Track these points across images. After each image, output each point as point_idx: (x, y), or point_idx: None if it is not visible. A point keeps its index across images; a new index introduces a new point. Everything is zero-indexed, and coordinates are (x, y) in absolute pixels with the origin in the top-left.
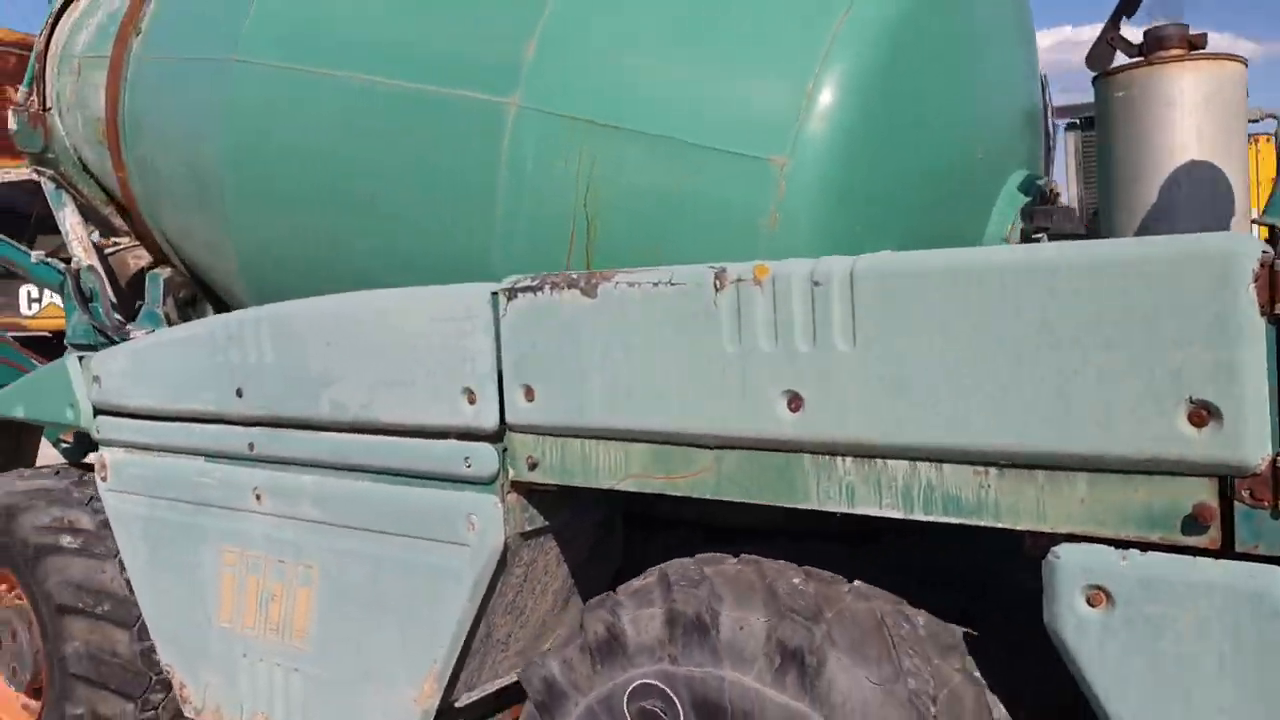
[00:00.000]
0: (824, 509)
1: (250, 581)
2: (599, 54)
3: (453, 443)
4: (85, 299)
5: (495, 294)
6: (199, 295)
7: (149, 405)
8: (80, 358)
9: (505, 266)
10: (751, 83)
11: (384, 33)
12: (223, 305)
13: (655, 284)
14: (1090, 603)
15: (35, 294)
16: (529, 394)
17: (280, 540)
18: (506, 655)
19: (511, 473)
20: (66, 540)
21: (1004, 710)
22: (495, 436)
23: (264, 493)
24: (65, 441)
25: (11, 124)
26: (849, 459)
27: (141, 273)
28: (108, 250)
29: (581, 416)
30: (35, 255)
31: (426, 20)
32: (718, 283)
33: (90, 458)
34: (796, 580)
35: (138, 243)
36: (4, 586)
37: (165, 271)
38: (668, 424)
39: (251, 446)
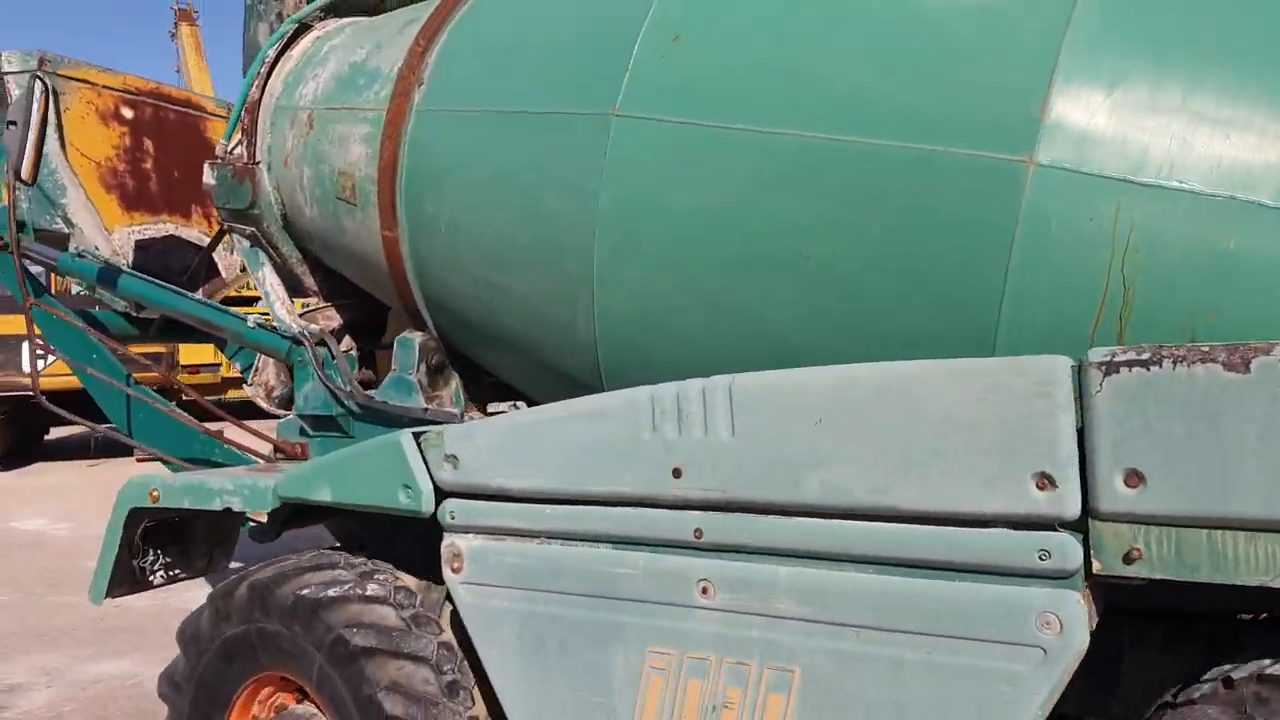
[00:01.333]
0: None
1: (691, 687)
2: (1121, 109)
3: (1016, 532)
4: (322, 366)
5: (1079, 367)
6: (447, 362)
7: (535, 487)
8: (416, 434)
9: (1011, 337)
10: None
11: (836, 87)
12: (474, 373)
13: None
14: None
15: (40, 351)
16: (1133, 479)
17: (739, 640)
18: None
19: (1097, 565)
20: (373, 640)
21: None
22: (1075, 525)
23: (714, 585)
24: (255, 522)
25: (209, 179)
26: None
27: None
28: (300, 313)
29: (1223, 505)
30: (251, 320)
31: (896, 74)
32: None
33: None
34: None
35: (329, 304)
36: (273, 689)
37: (418, 336)
38: None
39: (698, 533)
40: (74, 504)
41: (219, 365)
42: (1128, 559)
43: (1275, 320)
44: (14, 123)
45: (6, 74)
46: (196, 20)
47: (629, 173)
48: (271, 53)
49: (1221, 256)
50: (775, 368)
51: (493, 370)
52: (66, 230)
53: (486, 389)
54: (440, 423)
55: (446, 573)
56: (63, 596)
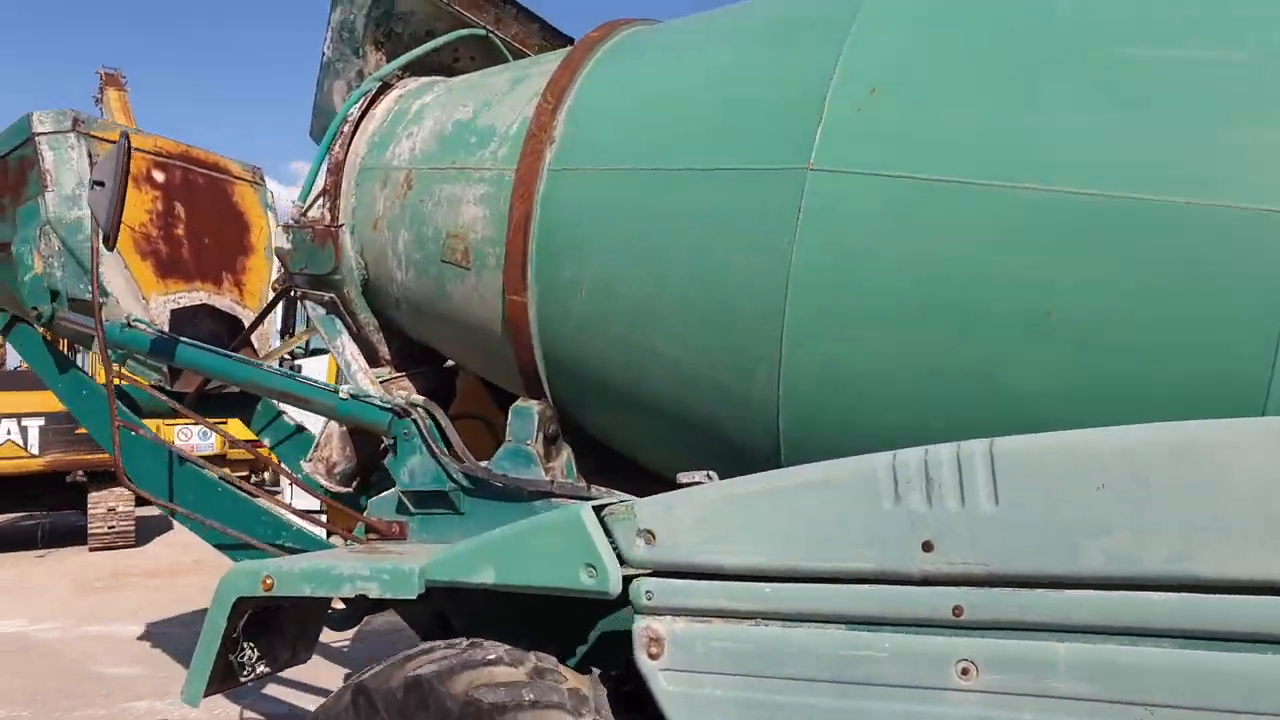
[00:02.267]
0: None
1: None
2: None
3: None
4: (429, 439)
5: None
6: (560, 432)
7: (753, 564)
8: (597, 509)
9: None
10: None
11: (1084, 141)
12: (584, 443)
13: None
14: None
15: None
16: None
17: None
18: None
19: None
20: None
21: None
22: None
23: (976, 666)
24: (334, 611)
25: (283, 243)
26: None
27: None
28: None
29: None
30: (344, 391)
31: (1146, 125)
32: None
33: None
34: None
35: (402, 374)
36: None
37: (535, 405)
38: None
39: (958, 611)
40: (46, 601)
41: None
42: None
43: None
44: (100, 183)
45: (39, 135)
46: (125, 85)
47: (830, 229)
48: (355, 111)
49: None
50: (1005, 433)
51: (611, 440)
52: (101, 299)
53: (588, 460)
54: (572, 497)
55: (641, 658)
56: (91, 710)
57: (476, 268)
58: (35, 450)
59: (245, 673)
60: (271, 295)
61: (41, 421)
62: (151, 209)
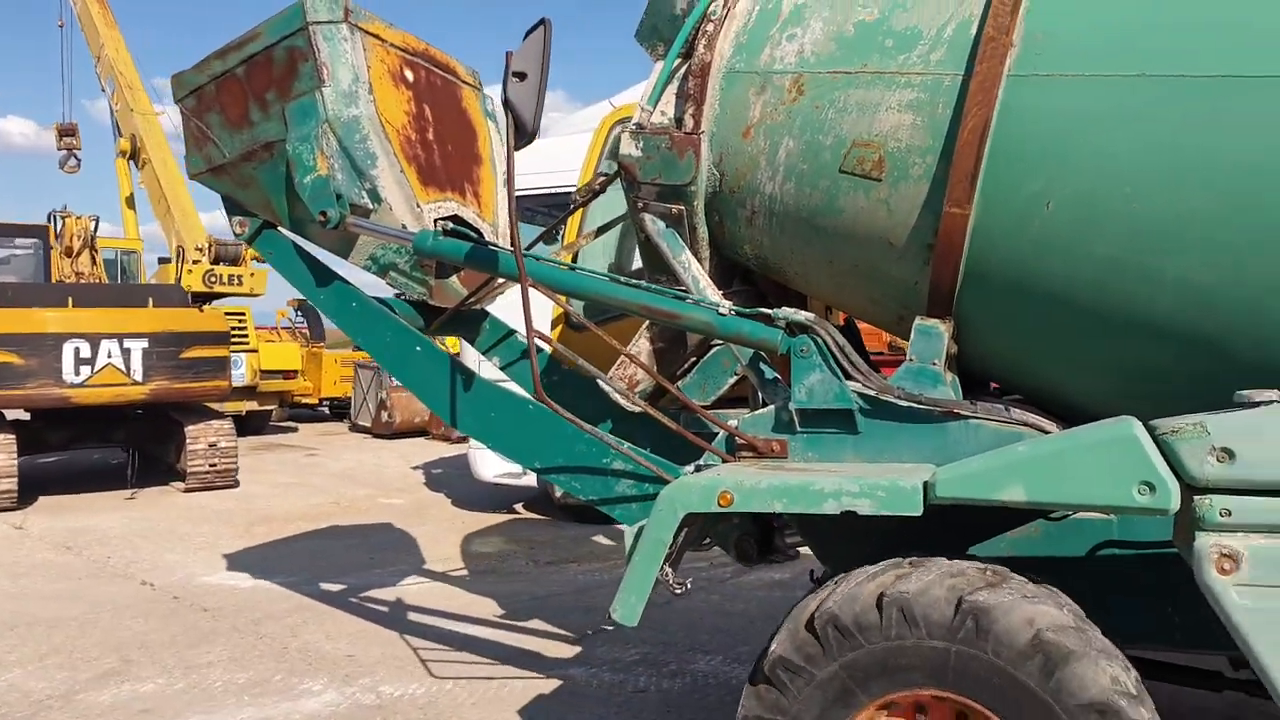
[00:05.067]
0: None
1: None
2: None
3: None
4: (838, 356)
5: None
6: (957, 353)
7: None
8: (1160, 431)
9: None
10: None
11: None
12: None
13: None
14: None
15: (85, 355)
16: None
17: None
18: None
19: None
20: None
21: None
22: None
23: None
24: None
25: (632, 149)
26: None
27: None
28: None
29: None
30: (725, 307)
31: None
32: None
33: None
34: None
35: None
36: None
37: (942, 324)
38: None
39: None
40: (196, 545)
41: None
42: None
43: None
44: (521, 74)
45: (313, 24)
46: None
47: None
48: (717, 7)
49: None
50: None
51: (1015, 366)
52: (371, 206)
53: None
54: (997, 421)
55: (1210, 574)
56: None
57: (893, 178)
58: (139, 377)
59: (675, 587)
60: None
61: (145, 344)
62: (409, 111)
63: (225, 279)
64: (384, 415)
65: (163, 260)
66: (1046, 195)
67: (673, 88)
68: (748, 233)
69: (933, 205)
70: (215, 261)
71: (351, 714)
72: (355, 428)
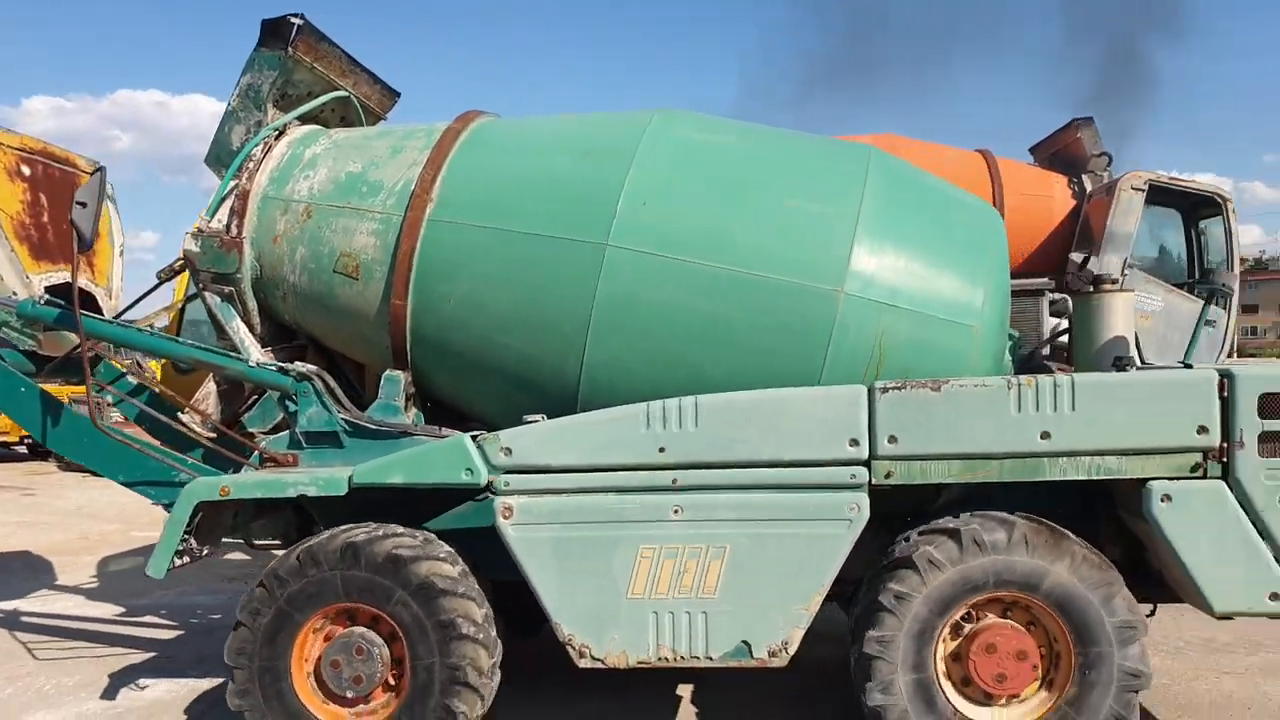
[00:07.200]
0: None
1: (665, 565)
2: (914, 255)
3: (837, 469)
4: (327, 395)
5: (871, 389)
6: (415, 394)
7: (570, 462)
8: (473, 436)
9: (831, 379)
10: (950, 283)
11: (713, 230)
12: (436, 403)
13: (974, 385)
14: None
15: None
16: (892, 439)
17: (696, 536)
18: None
19: (873, 480)
20: (445, 583)
21: None
22: (865, 462)
23: (683, 508)
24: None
25: (191, 246)
26: (1064, 459)
27: None
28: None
29: (927, 448)
30: (254, 359)
31: (746, 223)
32: (1008, 384)
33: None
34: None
35: (268, 348)
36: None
37: (401, 374)
38: (976, 449)
39: (675, 481)
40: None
41: None
42: (887, 475)
43: (945, 367)
44: (83, 203)
45: None
46: None
47: (617, 277)
48: (258, 152)
49: (917, 342)
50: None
51: (458, 399)
52: None
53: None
54: (429, 436)
55: (499, 521)
56: None
57: (365, 279)
58: None
59: (196, 554)
60: (155, 281)
61: None
62: (23, 199)
63: None
64: None
65: None
66: (449, 295)
67: (228, 204)
68: (283, 308)
69: (388, 297)
70: None
71: None
72: (67, 466)
